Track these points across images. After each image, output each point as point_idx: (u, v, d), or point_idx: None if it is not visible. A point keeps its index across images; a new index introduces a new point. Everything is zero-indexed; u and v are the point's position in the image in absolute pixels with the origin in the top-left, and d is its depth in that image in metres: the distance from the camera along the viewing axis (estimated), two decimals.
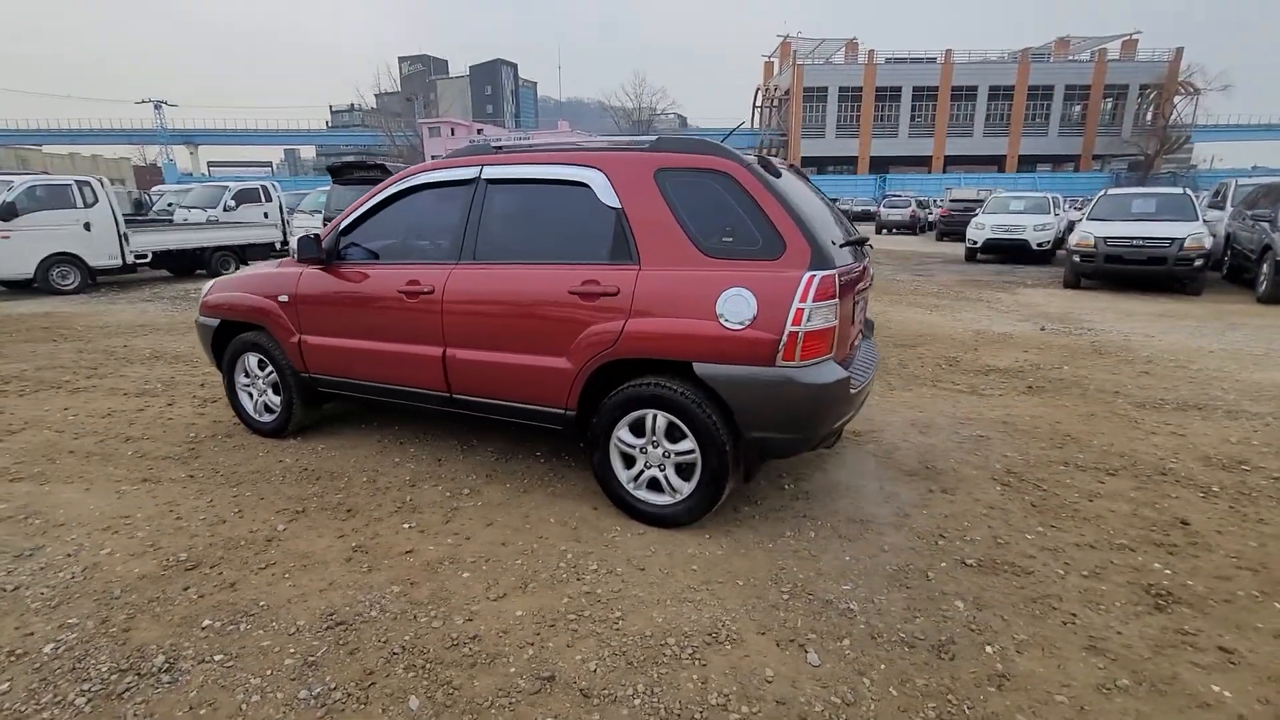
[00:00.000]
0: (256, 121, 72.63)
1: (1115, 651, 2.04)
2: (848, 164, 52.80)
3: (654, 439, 2.74)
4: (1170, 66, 46.15)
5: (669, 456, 2.73)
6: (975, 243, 13.99)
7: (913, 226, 24.68)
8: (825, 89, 50.22)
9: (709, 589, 2.37)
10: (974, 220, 14.43)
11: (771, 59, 56.92)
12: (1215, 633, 2.13)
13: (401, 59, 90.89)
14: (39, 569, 2.48)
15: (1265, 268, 8.58)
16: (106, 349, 6.20)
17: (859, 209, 34.04)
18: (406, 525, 2.84)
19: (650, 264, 2.67)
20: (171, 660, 1.98)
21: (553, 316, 2.83)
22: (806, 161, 52.27)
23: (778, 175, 2.73)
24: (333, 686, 1.88)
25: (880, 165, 50.80)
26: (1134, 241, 9.37)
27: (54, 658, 1.99)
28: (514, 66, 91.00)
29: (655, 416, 2.69)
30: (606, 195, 2.78)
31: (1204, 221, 9.61)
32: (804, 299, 2.42)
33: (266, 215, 14.05)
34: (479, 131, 51.17)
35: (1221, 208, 11.42)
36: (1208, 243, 9.18)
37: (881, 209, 25.99)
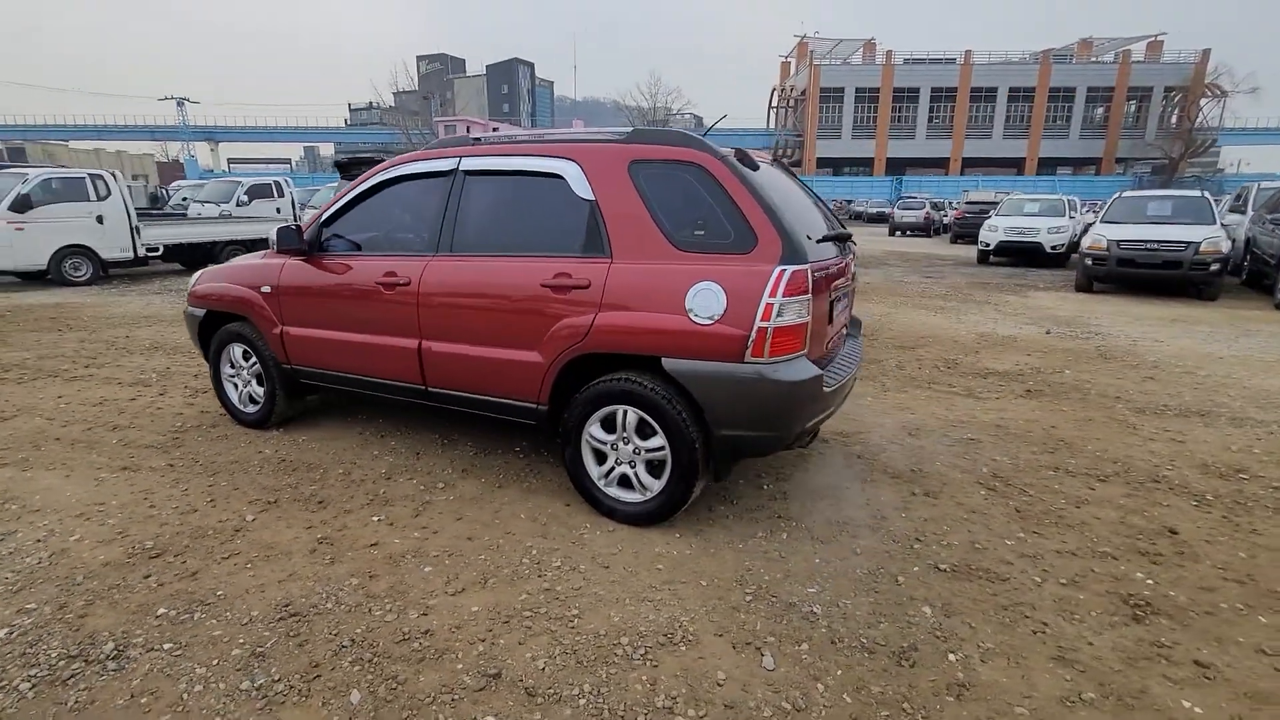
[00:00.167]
0: (277, 119, 73.64)
1: (1084, 663, 1.96)
2: (864, 165, 52.36)
3: (624, 435, 2.69)
4: (1197, 68, 45.20)
5: (639, 453, 2.68)
6: (988, 245, 13.73)
7: (927, 229, 24.42)
8: (842, 89, 49.84)
9: (671, 589, 2.32)
10: (987, 222, 14.16)
11: (788, 59, 56.60)
12: (1193, 646, 2.05)
13: (420, 58, 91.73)
14: (7, 554, 2.49)
15: None
16: (109, 339, 6.28)
17: (874, 211, 33.78)
18: (376, 518, 2.82)
19: (622, 257, 2.63)
20: (121, 648, 1.97)
21: (525, 309, 2.80)
22: (822, 163, 52.04)
23: (754, 168, 2.68)
24: (276, 678, 1.86)
25: (897, 167, 50.29)
26: (1148, 244, 9.13)
27: (6, 642, 1.99)
28: (530, 66, 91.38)
29: (626, 412, 2.65)
30: (580, 187, 2.74)
31: (1222, 225, 9.34)
32: (774, 294, 2.36)
33: (279, 210, 14.27)
34: (494, 129, 51.45)
35: (1243, 212, 11.11)
36: (1225, 246, 8.91)
37: (896, 211, 25.70)
